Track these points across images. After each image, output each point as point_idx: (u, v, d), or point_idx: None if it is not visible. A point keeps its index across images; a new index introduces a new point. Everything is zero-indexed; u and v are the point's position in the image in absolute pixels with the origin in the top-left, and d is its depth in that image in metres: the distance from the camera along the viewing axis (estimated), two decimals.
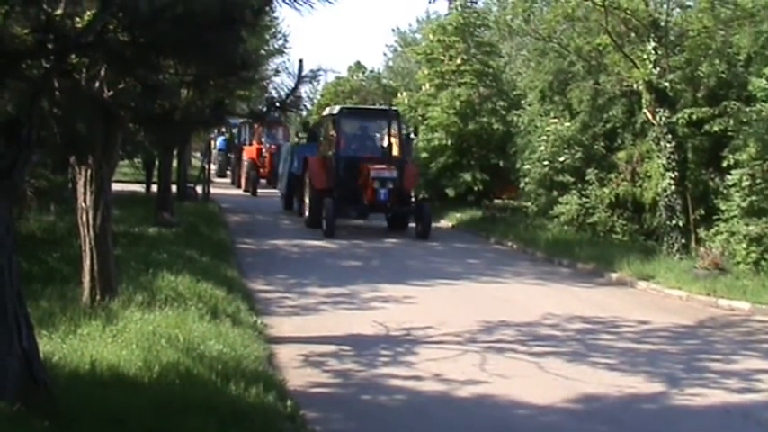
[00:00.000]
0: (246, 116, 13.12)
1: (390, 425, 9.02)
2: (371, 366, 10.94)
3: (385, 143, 28.31)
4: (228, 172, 49.58)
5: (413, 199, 27.49)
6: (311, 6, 6.67)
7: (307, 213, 27.12)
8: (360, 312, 14.46)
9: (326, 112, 30.78)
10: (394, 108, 29.97)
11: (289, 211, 31.05)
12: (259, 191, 39.76)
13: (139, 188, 30.65)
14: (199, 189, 32.07)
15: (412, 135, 30.47)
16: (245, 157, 43.89)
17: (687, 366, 11.35)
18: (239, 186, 43.29)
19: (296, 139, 34.53)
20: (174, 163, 27.99)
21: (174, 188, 26.29)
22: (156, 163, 26.18)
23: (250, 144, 44.18)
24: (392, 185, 25.32)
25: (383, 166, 25.92)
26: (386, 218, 27.49)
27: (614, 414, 9.39)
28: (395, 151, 27.57)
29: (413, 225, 26.23)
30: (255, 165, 41.55)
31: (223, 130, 46.49)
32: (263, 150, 42.24)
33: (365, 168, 25.64)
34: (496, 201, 32.22)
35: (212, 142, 48.09)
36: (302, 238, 23.77)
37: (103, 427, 6.76)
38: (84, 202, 11.45)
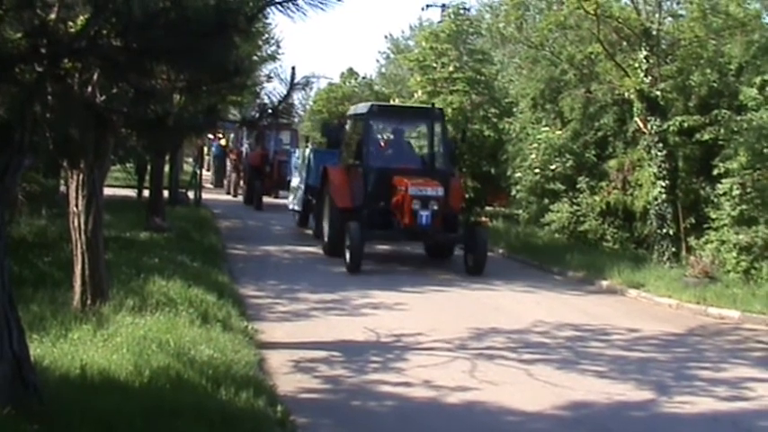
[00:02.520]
0: (239, 122, 13.11)
1: (380, 431, 9.03)
2: (362, 372, 10.95)
3: (425, 150, 23.98)
4: (226, 181, 45.19)
5: (458, 219, 21.79)
6: (303, 13, 6.69)
7: (326, 238, 22.10)
8: (350, 319, 14.46)
9: (351, 110, 25.40)
10: (437, 107, 23.83)
11: (304, 228, 26.96)
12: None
13: (131, 193, 30.61)
14: (191, 194, 32.06)
15: (459, 141, 25.29)
16: (240, 164, 40.54)
17: (676, 374, 11.38)
18: (233, 195, 41.28)
19: (308, 145, 29.82)
20: (166, 168, 27.92)
21: (165, 193, 26.26)
22: (148, 168, 26.19)
23: (253, 150, 38.54)
24: (437, 206, 19.88)
25: (425, 181, 20.45)
26: (424, 244, 22.46)
27: (603, 421, 9.42)
28: (439, 161, 22.50)
29: (457, 251, 21.94)
30: (260, 173, 36.16)
31: (219, 134, 44.98)
32: (270, 156, 36.29)
33: (402, 183, 20.24)
34: (488, 208, 32.23)
35: (205, 148, 47.94)
36: (294, 243, 23.75)
37: (93, 430, 6.76)
38: (76, 206, 11.46)
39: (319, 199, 23.58)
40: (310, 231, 25.51)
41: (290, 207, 28.45)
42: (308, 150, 27.65)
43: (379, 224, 20.34)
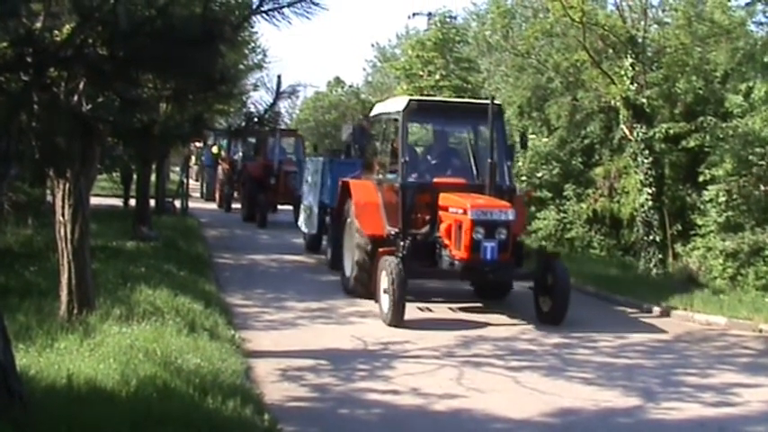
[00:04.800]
0: (225, 131, 13.14)
1: None
2: (349, 381, 10.95)
3: (479, 159, 17.57)
4: (217, 194, 40.65)
5: (523, 249, 16.74)
6: (288, 22, 6.70)
7: (350, 273, 17.25)
8: (338, 327, 14.46)
9: (379, 108, 19.21)
10: (495, 101, 17.12)
11: (313, 253, 23.27)
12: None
13: (118, 202, 30.62)
14: (177, 203, 32.02)
15: (518, 146, 20.03)
16: (233, 174, 37.06)
17: (663, 380, 11.40)
18: (225, 209, 37.33)
19: (319, 154, 25.53)
20: (153, 177, 27.87)
21: (152, 202, 26.22)
22: (135, 177, 26.16)
23: (249, 159, 34.87)
24: (505, 234, 14.82)
25: (487, 201, 15.33)
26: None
27: (590, 428, 9.43)
28: (499, 173, 16.35)
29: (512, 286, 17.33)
30: (263, 186, 31.69)
31: (209, 141, 43.74)
32: (274, 167, 31.69)
33: (455, 203, 15.35)
34: None
35: (192, 157, 47.70)
36: (280, 252, 23.67)
37: None
38: (62, 215, 11.44)
39: (337, 222, 18.99)
40: (317, 255, 22.79)
41: (302, 229, 23.93)
42: (321, 161, 23.07)
43: (424, 258, 15.74)
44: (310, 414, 9.56)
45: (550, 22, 24.85)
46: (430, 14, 40.28)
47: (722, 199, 19.50)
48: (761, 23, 23.51)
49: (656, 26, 24.64)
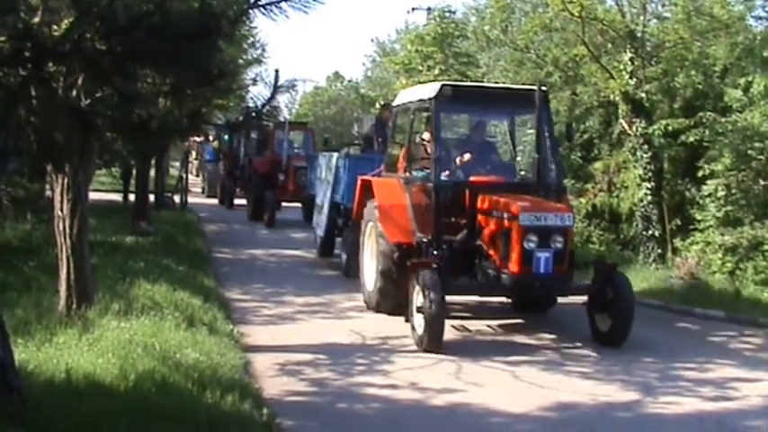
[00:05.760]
0: (223, 126, 13.18)
1: None
2: (347, 375, 10.95)
3: (523, 154, 16.82)
4: (219, 189, 39.59)
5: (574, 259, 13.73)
6: (286, 16, 6.70)
7: (372, 286, 15.14)
8: (336, 321, 14.46)
9: (405, 96, 16.55)
10: (542, 86, 14.26)
11: (327, 258, 21.40)
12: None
13: (117, 197, 30.61)
14: (176, 198, 32.02)
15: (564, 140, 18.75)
16: (235, 170, 35.87)
17: (662, 375, 11.41)
18: (227, 205, 36.22)
19: (331, 149, 23.87)
20: (152, 172, 27.86)
21: (151, 197, 26.21)
22: (134, 172, 26.15)
23: (253, 153, 33.54)
24: (562, 242, 12.61)
25: (540, 203, 13.17)
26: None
27: (589, 422, 9.43)
28: (546, 171, 14.11)
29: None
30: (271, 183, 29.96)
31: (210, 137, 43.45)
32: (283, 163, 30.02)
33: (501, 205, 13.11)
34: None
35: (192, 152, 47.65)
36: (279, 247, 23.68)
37: None
38: (61, 210, 11.44)
39: (355, 225, 17.02)
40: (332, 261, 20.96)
41: (317, 231, 21.85)
42: (335, 156, 20.61)
43: (460, 270, 13.71)
44: (309, 408, 9.56)
45: (549, 16, 24.83)
46: (429, 9, 40.26)
47: (721, 194, 19.50)
48: (760, 18, 23.54)
49: (655, 21, 24.62)
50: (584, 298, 13.57)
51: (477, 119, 16.24)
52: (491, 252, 13.23)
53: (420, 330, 12.42)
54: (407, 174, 15.39)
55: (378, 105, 36.67)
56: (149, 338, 10.07)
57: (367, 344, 12.87)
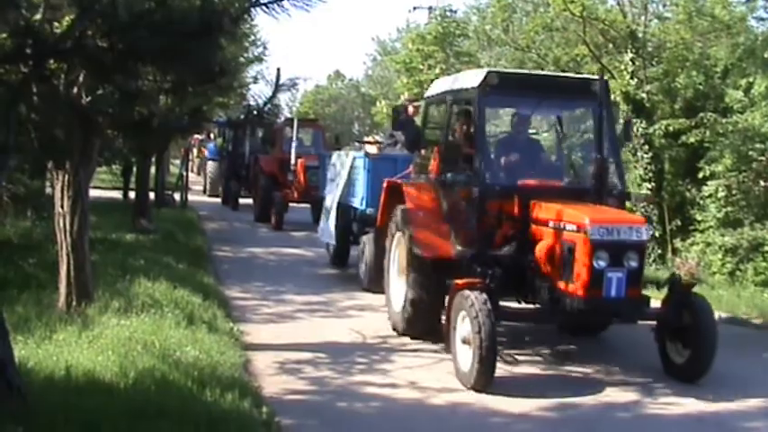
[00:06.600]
0: (224, 123, 13.18)
1: None
2: (347, 374, 10.94)
3: (578, 154, 14.66)
4: (221, 188, 38.27)
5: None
6: (288, 14, 6.70)
7: (401, 306, 13.02)
8: (336, 320, 14.44)
9: (441, 86, 14.20)
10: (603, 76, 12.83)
11: (341, 268, 19.78)
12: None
13: (117, 195, 30.61)
14: (177, 196, 32.00)
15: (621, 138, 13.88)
16: (241, 168, 34.23)
17: (662, 376, 11.38)
18: (232, 206, 34.78)
19: (339, 145, 22.85)
20: (153, 170, 27.82)
21: (151, 195, 26.18)
22: (134, 169, 26.14)
23: (259, 151, 31.94)
24: (636, 261, 10.48)
25: (611, 213, 11.15)
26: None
27: (589, 422, 9.43)
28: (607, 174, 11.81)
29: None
30: (279, 183, 28.69)
31: (211, 134, 42.76)
32: (292, 162, 27.94)
33: (566, 217, 10.85)
34: None
35: (193, 149, 47.55)
36: (279, 245, 23.66)
37: None
38: (62, 207, 11.43)
39: (377, 233, 15.06)
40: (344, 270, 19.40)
41: (322, 238, 20.05)
42: (351, 155, 18.74)
43: (508, 290, 11.52)
44: (308, 407, 9.56)
45: (551, 16, 24.90)
46: (430, 8, 40.30)
47: (722, 194, 19.53)
48: (761, 19, 23.58)
49: (656, 21, 24.68)
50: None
51: (526, 112, 13.38)
52: (547, 270, 11.01)
53: (466, 366, 10.40)
54: (443, 176, 12.91)
55: (379, 104, 36.70)
56: (149, 336, 10.06)
57: (367, 342, 12.86)
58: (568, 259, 10.64)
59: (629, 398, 10.37)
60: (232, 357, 10.30)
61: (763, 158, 19.04)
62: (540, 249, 11.02)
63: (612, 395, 10.42)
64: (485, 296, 10.34)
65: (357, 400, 9.88)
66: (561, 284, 10.74)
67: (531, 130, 13.75)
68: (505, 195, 11.74)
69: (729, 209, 19.52)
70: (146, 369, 8.72)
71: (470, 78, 12.60)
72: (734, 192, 19.44)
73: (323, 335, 13.14)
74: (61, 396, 7.50)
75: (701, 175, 20.27)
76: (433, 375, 10.96)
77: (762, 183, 19.32)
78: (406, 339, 12.80)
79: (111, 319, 10.72)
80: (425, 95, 15.28)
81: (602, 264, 10.34)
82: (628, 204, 13.11)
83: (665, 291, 11.62)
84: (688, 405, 10.14)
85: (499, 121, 15.82)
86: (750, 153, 19.05)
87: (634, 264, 10.46)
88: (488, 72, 12.26)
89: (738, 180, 19.34)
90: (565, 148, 14.25)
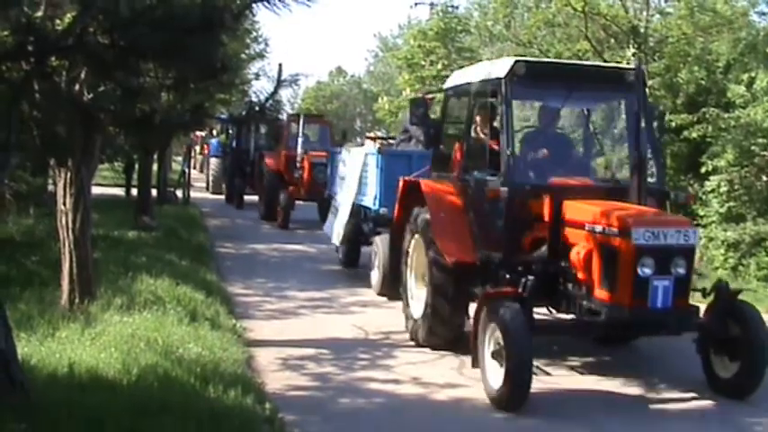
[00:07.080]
0: (226, 120, 13.19)
1: (368, 428, 9.03)
2: (350, 370, 10.94)
3: (613, 150, 13.76)
4: (224, 185, 37.47)
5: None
6: (289, 10, 6.70)
7: (421, 313, 12.10)
8: (339, 316, 14.45)
9: (463, 77, 12.90)
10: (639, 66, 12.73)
11: (352, 269, 18.98)
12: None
13: (120, 192, 30.63)
14: (179, 193, 32.00)
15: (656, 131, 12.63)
16: (245, 165, 33.45)
17: (665, 372, 11.37)
18: (236, 204, 33.98)
19: (350, 141, 21.96)
20: (155, 167, 27.81)
21: (154, 192, 26.18)
22: (136, 166, 26.14)
23: (265, 148, 31.51)
24: (684, 268, 9.63)
25: (657, 215, 10.25)
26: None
27: (591, 418, 9.42)
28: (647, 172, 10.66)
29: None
30: (285, 180, 27.86)
31: (214, 131, 42.99)
32: (299, 158, 27.03)
33: (605, 219, 9.83)
34: None
35: (196, 146, 47.51)
36: (282, 242, 23.65)
37: (81, 428, 6.76)
38: (64, 204, 11.44)
39: (393, 234, 13.88)
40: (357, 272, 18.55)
41: (330, 237, 19.06)
42: (363, 151, 18.09)
43: (546, 297, 10.62)
44: (311, 403, 9.56)
45: (552, 11, 24.86)
46: (432, 4, 40.28)
47: (724, 189, 19.50)
48: (763, 14, 23.66)
49: (658, 16, 24.64)
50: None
51: (555, 105, 12.30)
52: (583, 277, 10.02)
53: (496, 383, 9.50)
54: (466, 174, 12.00)
55: (380, 100, 36.65)
56: (152, 333, 10.07)
57: (369, 339, 12.86)
58: (608, 266, 9.72)
59: (631, 393, 10.36)
60: (235, 354, 10.32)
61: (765, 153, 19.02)
62: (576, 255, 10.02)
63: (615, 390, 10.42)
64: (518, 306, 9.50)
65: (360, 397, 9.89)
66: (600, 293, 9.81)
67: (559, 124, 12.76)
68: (535, 195, 10.70)
69: (732, 204, 19.50)
70: (148, 366, 8.73)
71: (496, 68, 11.47)
72: (736, 187, 19.42)
73: (326, 331, 13.14)
74: (64, 393, 7.52)
75: (703, 170, 20.23)
76: (437, 371, 10.96)
77: (764, 177, 19.31)
78: (408, 335, 12.76)
79: (113, 316, 10.73)
80: (445, 87, 14.04)
81: (648, 271, 9.45)
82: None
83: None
84: (691, 401, 10.13)
85: (522, 115, 14.51)
86: (752, 148, 19.03)
87: (682, 270, 9.62)
88: (516, 61, 11.19)
89: (741, 175, 19.32)
90: (597, 143, 13.31)
